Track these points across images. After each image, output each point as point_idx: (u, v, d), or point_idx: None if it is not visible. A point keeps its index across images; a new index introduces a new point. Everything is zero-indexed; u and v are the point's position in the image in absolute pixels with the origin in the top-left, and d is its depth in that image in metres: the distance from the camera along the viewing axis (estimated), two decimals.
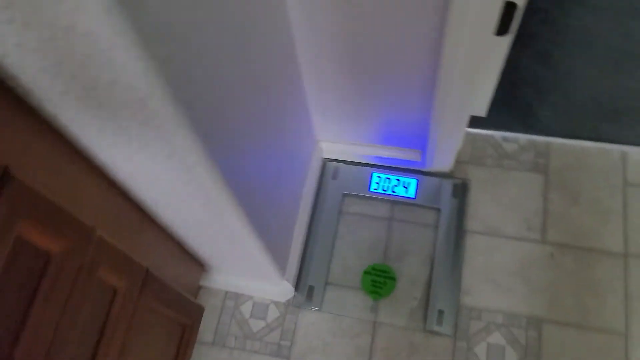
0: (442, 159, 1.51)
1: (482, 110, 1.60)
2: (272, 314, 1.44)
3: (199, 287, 1.45)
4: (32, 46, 0.57)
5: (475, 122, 1.61)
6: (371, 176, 1.56)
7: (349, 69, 1.22)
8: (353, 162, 1.58)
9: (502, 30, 1.28)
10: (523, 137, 1.62)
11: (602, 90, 1.56)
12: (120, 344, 0.99)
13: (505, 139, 1.62)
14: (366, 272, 1.45)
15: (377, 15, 1.00)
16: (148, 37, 0.54)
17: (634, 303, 1.39)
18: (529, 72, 1.62)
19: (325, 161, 1.60)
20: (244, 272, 1.34)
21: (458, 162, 1.59)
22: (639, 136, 1.56)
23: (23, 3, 0.50)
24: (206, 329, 1.44)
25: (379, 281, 1.44)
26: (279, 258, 1.27)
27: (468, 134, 1.62)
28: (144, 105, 0.63)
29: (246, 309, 1.45)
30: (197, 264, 1.31)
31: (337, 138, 1.53)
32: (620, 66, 1.49)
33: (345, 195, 1.56)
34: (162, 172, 0.80)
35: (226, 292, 1.47)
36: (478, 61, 1.18)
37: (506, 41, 1.34)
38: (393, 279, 1.44)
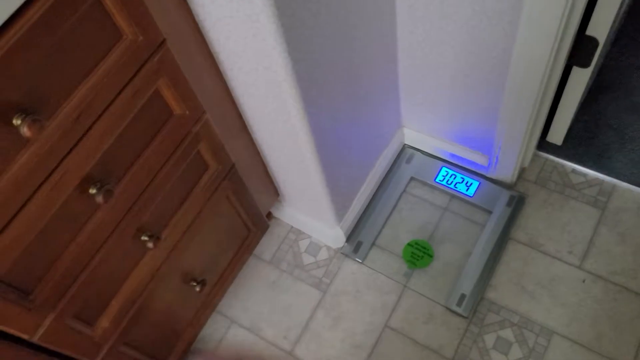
0: (505, 170, 1.67)
1: (558, 139, 1.74)
2: (323, 254, 1.70)
3: (270, 215, 1.75)
4: None
5: (549, 147, 1.75)
6: (440, 169, 1.76)
7: (447, 64, 1.42)
8: (427, 153, 1.80)
9: (582, 62, 1.44)
10: (592, 174, 1.72)
11: None
12: (194, 216, 1.27)
13: (573, 171, 1.74)
14: (409, 244, 1.66)
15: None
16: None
17: None
18: (616, 119, 1.73)
19: (405, 146, 1.83)
20: (307, 209, 1.61)
21: (523, 178, 1.74)
22: None
23: None
24: (267, 250, 1.73)
25: (417, 254, 1.64)
26: (338, 204, 1.53)
27: (539, 156, 1.76)
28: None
29: (303, 244, 1.73)
30: (274, 190, 1.60)
31: (419, 128, 1.75)
32: None
33: (412, 178, 1.78)
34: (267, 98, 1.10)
35: (291, 227, 1.76)
36: (542, 84, 1.33)
37: (585, 75, 1.48)
38: (430, 256, 1.63)
